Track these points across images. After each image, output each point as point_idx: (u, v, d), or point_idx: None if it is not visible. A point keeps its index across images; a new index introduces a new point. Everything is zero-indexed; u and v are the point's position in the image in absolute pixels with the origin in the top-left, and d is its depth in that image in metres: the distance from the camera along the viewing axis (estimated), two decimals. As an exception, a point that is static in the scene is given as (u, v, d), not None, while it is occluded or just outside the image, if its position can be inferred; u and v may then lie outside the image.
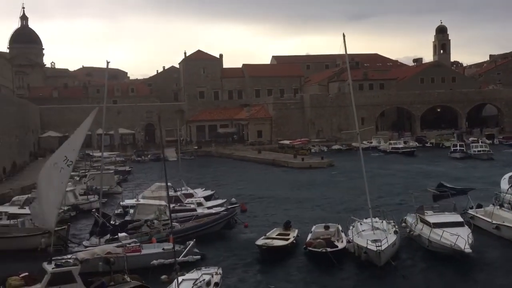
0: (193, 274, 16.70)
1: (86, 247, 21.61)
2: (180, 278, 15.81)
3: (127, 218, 26.41)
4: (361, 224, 22.59)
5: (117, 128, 78.89)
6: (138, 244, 20.63)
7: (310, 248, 20.71)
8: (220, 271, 17.81)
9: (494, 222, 23.15)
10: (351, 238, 21.13)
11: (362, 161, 23.38)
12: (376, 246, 18.84)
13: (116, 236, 21.48)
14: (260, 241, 21.73)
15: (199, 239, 22.46)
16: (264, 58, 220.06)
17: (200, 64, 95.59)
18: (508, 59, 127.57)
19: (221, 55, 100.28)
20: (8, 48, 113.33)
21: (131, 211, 27.33)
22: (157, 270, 18.87)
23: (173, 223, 24.55)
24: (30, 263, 18.11)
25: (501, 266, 19.45)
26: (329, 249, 20.16)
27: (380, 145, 69.39)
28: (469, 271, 18.97)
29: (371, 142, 71.56)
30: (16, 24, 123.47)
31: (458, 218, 22.06)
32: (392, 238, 20.39)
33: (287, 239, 22.18)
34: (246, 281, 18.86)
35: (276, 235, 22.79)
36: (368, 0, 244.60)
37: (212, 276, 16.95)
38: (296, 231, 23.42)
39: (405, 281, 18.24)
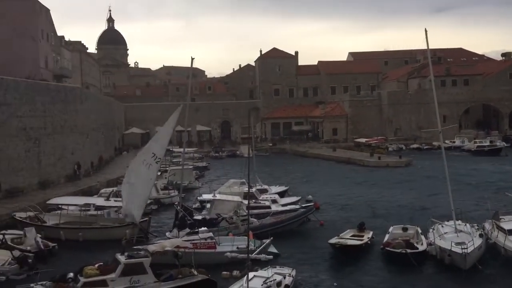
0: (265, 272, 16.60)
1: (169, 238, 22.45)
2: (251, 274, 15.88)
3: (204, 212, 27.16)
4: (442, 226, 21.65)
5: (195, 125, 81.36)
6: (214, 240, 20.98)
7: (388, 249, 20.17)
8: (293, 273, 17.62)
9: None
10: (433, 241, 20.29)
11: (444, 161, 22.30)
12: (462, 249, 18.00)
13: (196, 230, 22.08)
14: (333, 240, 21.50)
15: (274, 236, 22.58)
16: (340, 55, 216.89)
17: (276, 61, 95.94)
18: None
19: (296, 53, 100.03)
20: (96, 49, 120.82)
21: (208, 206, 28.08)
22: (230, 266, 19.07)
23: (252, 218, 25.07)
24: (111, 252, 19.02)
25: None
26: (409, 250, 19.50)
27: (464, 144, 65.91)
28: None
29: (454, 142, 68.18)
30: (103, 26, 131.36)
31: None
32: (477, 241, 19.41)
33: (361, 240, 21.79)
34: (318, 279, 18.70)
35: (350, 236, 22.42)
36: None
37: (284, 278, 16.78)
38: (371, 233, 22.94)
39: (492, 285, 17.26)
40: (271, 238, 21.65)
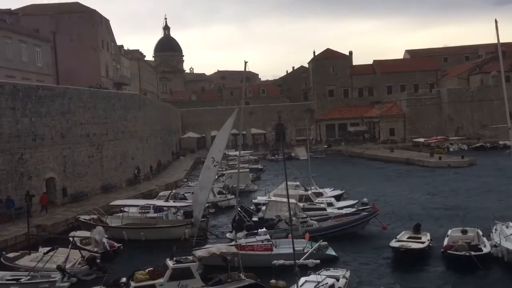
0: (317, 276, 16.14)
1: (230, 239, 22.74)
2: (303, 279, 15.64)
3: (260, 214, 27.28)
4: (507, 227, 20.60)
5: (249, 128, 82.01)
6: (271, 242, 20.91)
7: (451, 252, 19.42)
8: (347, 274, 17.21)
9: None
10: (498, 242, 19.34)
11: None
12: None
13: (255, 231, 22.18)
14: (395, 243, 20.91)
15: (334, 239, 22.38)
16: (396, 54, 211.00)
17: (329, 62, 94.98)
18: None
19: (350, 53, 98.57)
20: (153, 56, 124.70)
21: (263, 208, 28.20)
22: (287, 268, 18.53)
23: (311, 221, 24.93)
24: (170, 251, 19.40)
25: None
26: (473, 253, 18.74)
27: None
28: None
29: (516, 139, 64.55)
30: (159, 34, 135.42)
31: None
32: None
33: (422, 242, 21.07)
34: (377, 282, 18.28)
35: (407, 238, 21.73)
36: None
37: (338, 280, 16.39)
38: (428, 234, 22.15)
39: None
40: (321, 240, 21.22)
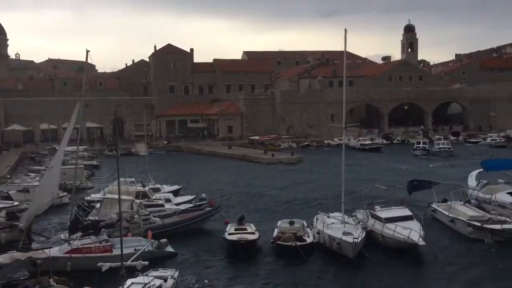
0: (145, 278, 15.55)
1: (65, 241, 20.93)
2: (129, 281, 15.17)
3: (94, 212, 25.92)
4: (328, 217, 23.00)
5: (85, 122, 77.30)
6: (110, 243, 20.02)
7: (279, 242, 20.92)
8: (176, 274, 16.94)
9: (450, 215, 23.95)
10: (321, 230, 21.42)
11: (343, 157, 23.54)
12: (353, 238, 19.29)
13: (91, 232, 20.90)
14: (232, 236, 21.75)
15: (176, 235, 22.34)
16: (235, 54, 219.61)
17: (171, 58, 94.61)
18: (473, 59, 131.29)
19: (192, 50, 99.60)
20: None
21: (97, 205, 26.89)
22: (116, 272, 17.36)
23: (154, 218, 24.44)
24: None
25: (450, 257, 20.15)
26: (298, 243, 20.44)
27: (350, 142, 70.32)
28: (422, 262, 19.67)
29: (341, 139, 72.28)
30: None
31: (407, 212, 22.57)
32: (362, 231, 20.87)
33: (253, 233, 22.22)
34: (210, 277, 18.84)
35: (235, 230, 22.67)
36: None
37: (165, 281, 16.12)
38: (252, 225, 23.46)
39: (375, 271, 18.77)
40: (159, 241, 21.11)
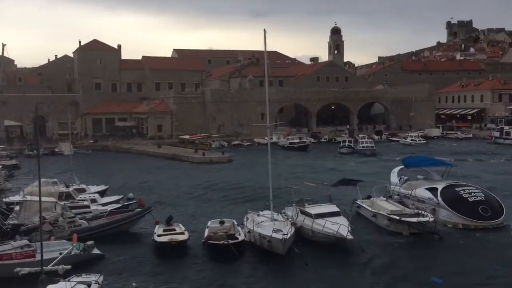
0: (67, 284, 14.70)
1: None
2: (49, 287, 14.38)
3: (13, 215, 24.50)
4: (258, 215, 23.27)
5: (2, 119, 72.87)
6: (32, 248, 18.93)
7: (211, 241, 20.87)
8: (100, 279, 16.23)
9: (372, 210, 25.14)
10: (252, 229, 21.62)
11: (269, 156, 23.88)
12: (283, 235, 19.58)
13: (9, 237, 19.60)
14: (161, 238, 21.37)
15: (103, 238, 21.67)
16: (165, 51, 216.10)
17: (97, 54, 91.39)
18: (394, 61, 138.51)
19: (119, 46, 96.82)
20: None
21: (17, 208, 25.41)
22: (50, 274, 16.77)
23: (80, 220, 23.40)
24: None
25: (374, 249, 21.19)
26: (230, 241, 20.50)
27: (280, 140, 71.56)
28: (350, 255, 20.58)
29: (272, 138, 73.46)
30: None
31: (335, 208, 23.46)
32: (291, 228, 21.28)
33: (182, 234, 21.98)
34: (137, 280, 18.41)
35: (163, 231, 22.26)
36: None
37: (89, 286, 15.40)
38: (180, 225, 23.19)
39: (306, 267, 19.22)
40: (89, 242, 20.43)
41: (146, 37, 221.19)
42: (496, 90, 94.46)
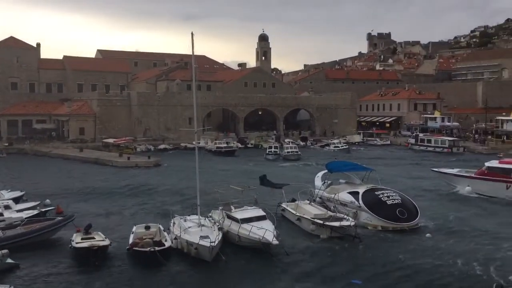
0: None
1: None
2: None
3: None
4: (185, 221, 22.95)
5: None
6: None
7: (137, 248, 20.29)
8: None
9: (297, 214, 25.73)
10: (178, 235, 21.26)
11: (197, 161, 23.65)
12: (210, 242, 19.45)
13: None
14: (82, 244, 20.43)
15: (19, 248, 20.38)
16: (90, 52, 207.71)
17: (13, 52, 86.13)
18: (319, 69, 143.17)
19: (38, 44, 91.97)
20: None
21: None
22: None
23: None
24: None
25: (298, 253, 21.69)
26: (157, 248, 20.01)
27: (207, 145, 71.31)
28: (275, 259, 20.83)
29: (199, 142, 73.07)
30: None
31: (261, 212, 23.69)
32: (218, 234, 21.18)
33: (103, 240, 21.19)
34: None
35: (81, 240, 21.24)
36: (198, 2, 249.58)
37: None
38: (100, 233, 22.25)
39: (233, 272, 19.26)
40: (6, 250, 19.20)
41: (69, 37, 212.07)
42: (412, 99, 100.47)
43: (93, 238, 21.48)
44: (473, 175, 35.82)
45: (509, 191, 33.12)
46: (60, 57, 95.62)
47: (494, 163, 35.42)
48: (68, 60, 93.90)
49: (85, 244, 20.30)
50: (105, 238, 21.54)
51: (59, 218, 24.79)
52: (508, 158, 42.14)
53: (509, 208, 30.96)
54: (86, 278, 18.78)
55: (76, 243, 20.71)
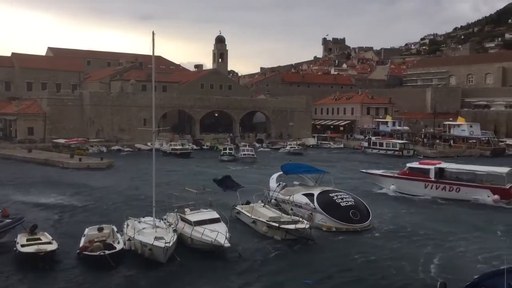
0: None
1: None
2: None
3: None
4: (139, 222, 22.62)
5: None
6: None
7: (86, 252, 19.75)
8: None
9: (252, 217, 25.86)
10: (132, 236, 20.91)
11: (154, 162, 23.31)
12: (165, 243, 19.23)
13: None
14: (26, 249, 19.61)
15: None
16: (39, 49, 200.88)
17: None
18: (275, 73, 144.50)
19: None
20: None
21: None
22: None
23: None
24: None
25: (252, 255, 21.70)
26: (107, 252, 19.55)
27: (162, 147, 70.41)
28: (228, 261, 20.81)
29: (155, 144, 71.95)
30: None
31: (215, 215, 23.64)
32: (173, 234, 20.98)
33: (50, 243, 20.47)
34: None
35: (26, 241, 20.46)
36: (154, 2, 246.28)
37: None
38: (46, 234, 21.63)
39: (186, 274, 19.04)
40: None
41: (18, 33, 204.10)
42: (364, 103, 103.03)
43: (39, 239, 20.70)
44: (396, 175, 37.72)
45: (426, 189, 35.80)
46: (9, 54, 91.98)
47: (414, 164, 38.34)
48: (16, 57, 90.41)
49: (31, 249, 19.48)
50: (52, 240, 20.81)
51: (8, 220, 23.80)
52: (427, 159, 45.66)
53: (430, 205, 33.15)
54: (31, 285, 18.05)
55: (22, 245, 19.89)
